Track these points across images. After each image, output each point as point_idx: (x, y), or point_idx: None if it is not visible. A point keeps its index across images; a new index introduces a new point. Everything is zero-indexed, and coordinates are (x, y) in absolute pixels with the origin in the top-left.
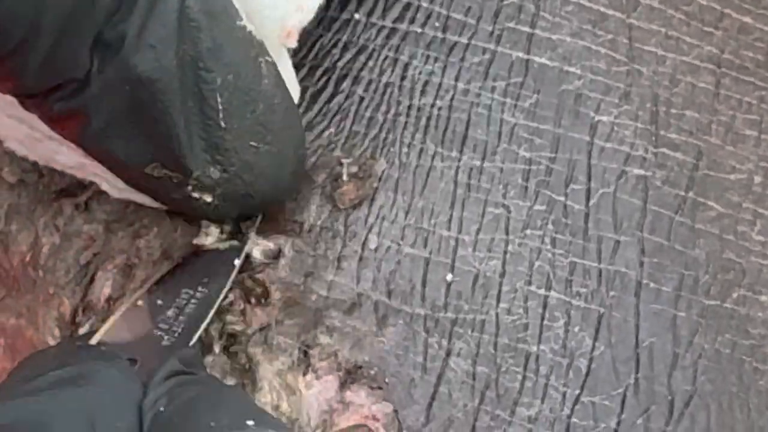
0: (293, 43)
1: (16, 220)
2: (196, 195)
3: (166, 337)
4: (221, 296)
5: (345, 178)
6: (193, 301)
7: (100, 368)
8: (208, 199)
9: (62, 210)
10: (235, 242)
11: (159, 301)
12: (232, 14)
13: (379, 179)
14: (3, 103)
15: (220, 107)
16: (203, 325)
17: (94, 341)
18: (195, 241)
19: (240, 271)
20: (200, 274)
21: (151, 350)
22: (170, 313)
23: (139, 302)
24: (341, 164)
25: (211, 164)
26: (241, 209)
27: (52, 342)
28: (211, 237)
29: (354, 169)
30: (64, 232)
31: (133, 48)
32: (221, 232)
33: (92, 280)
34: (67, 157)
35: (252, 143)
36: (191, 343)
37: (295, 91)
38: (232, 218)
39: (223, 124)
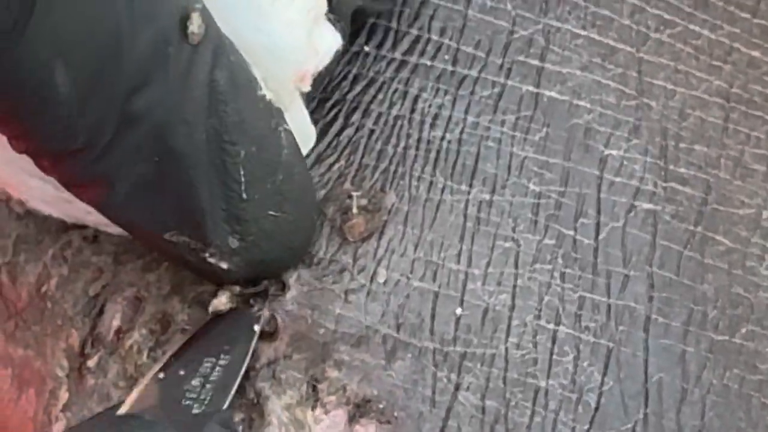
0: (306, 87)
1: (24, 250)
2: (212, 261)
3: (195, 406)
4: (246, 361)
5: (355, 211)
6: (217, 369)
7: None
8: (224, 266)
9: (71, 241)
10: (250, 306)
11: (181, 372)
12: (254, 85)
13: (389, 212)
14: (25, 163)
15: (243, 179)
16: (232, 391)
17: (122, 413)
18: (211, 309)
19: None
20: (219, 342)
21: (184, 418)
22: (195, 382)
23: (161, 374)
24: (351, 197)
25: (230, 234)
26: (256, 274)
27: (60, 373)
28: (224, 300)
29: (364, 202)
30: (72, 264)
31: (166, 122)
32: (233, 295)
33: (101, 311)
34: (99, 215)
35: (271, 212)
36: (224, 408)
37: (309, 135)
38: (245, 281)
39: (244, 196)
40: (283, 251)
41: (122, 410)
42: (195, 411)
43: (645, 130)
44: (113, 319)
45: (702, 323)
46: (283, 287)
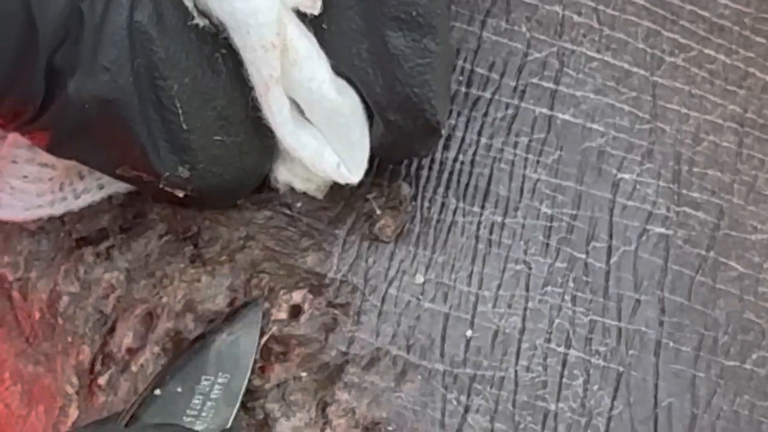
0: (316, 9)
1: (36, 267)
2: (168, 190)
3: (197, 423)
4: (246, 379)
5: (378, 211)
6: (216, 387)
7: None
8: (181, 194)
9: (83, 258)
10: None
11: (178, 389)
12: (182, 16)
13: (411, 202)
14: None
15: (180, 111)
16: (234, 411)
17: None
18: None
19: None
20: (217, 359)
21: None
22: (195, 401)
23: (157, 391)
24: (368, 200)
25: (180, 164)
26: (216, 197)
27: (70, 390)
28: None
29: (382, 200)
30: (84, 281)
31: (86, 73)
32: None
33: (112, 328)
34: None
35: (217, 137)
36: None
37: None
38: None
39: (185, 126)
40: (238, 173)
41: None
42: (198, 428)
43: (658, 154)
44: (125, 337)
45: (713, 348)
46: (299, 311)
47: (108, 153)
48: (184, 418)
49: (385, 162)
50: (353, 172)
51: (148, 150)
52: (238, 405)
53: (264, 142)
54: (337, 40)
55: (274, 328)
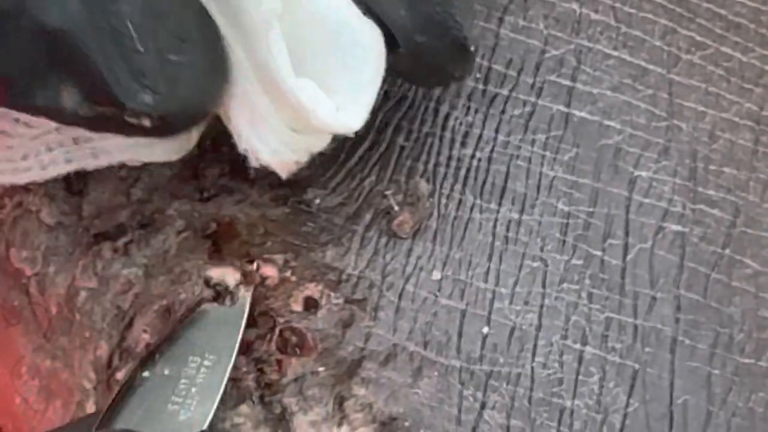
0: None
1: (53, 262)
2: (134, 121)
3: (182, 411)
4: (231, 364)
5: (396, 207)
6: (203, 369)
7: None
8: (147, 123)
9: (101, 253)
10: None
11: (166, 371)
12: None
13: (429, 198)
14: None
15: (134, 34)
16: (218, 398)
17: (119, 426)
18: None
19: (279, 322)
20: (204, 339)
21: (169, 428)
22: (181, 385)
23: (145, 373)
24: (386, 197)
25: (140, 90)
26: (186, 123)
27: (87, 385)
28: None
29: (400, 197)
30: (102, 276)
31: (36, 5)
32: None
33: (130, 324)
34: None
35: (172, 57)
36: (207, 422)
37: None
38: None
39: (141, 48)
40: (202, 93)
41: (109, 419)
42: (182, 418)
43: (675, 151)
44: (142, 332)
45: (728, 346)
46: (316, 305)
47: (68, 91)
48: (169, 405)
49: (423, 87)
50: (353, 119)
51: (108, 78)
52: (219, 395)
53: (223, 59)
54: None
55: (291, 319)
